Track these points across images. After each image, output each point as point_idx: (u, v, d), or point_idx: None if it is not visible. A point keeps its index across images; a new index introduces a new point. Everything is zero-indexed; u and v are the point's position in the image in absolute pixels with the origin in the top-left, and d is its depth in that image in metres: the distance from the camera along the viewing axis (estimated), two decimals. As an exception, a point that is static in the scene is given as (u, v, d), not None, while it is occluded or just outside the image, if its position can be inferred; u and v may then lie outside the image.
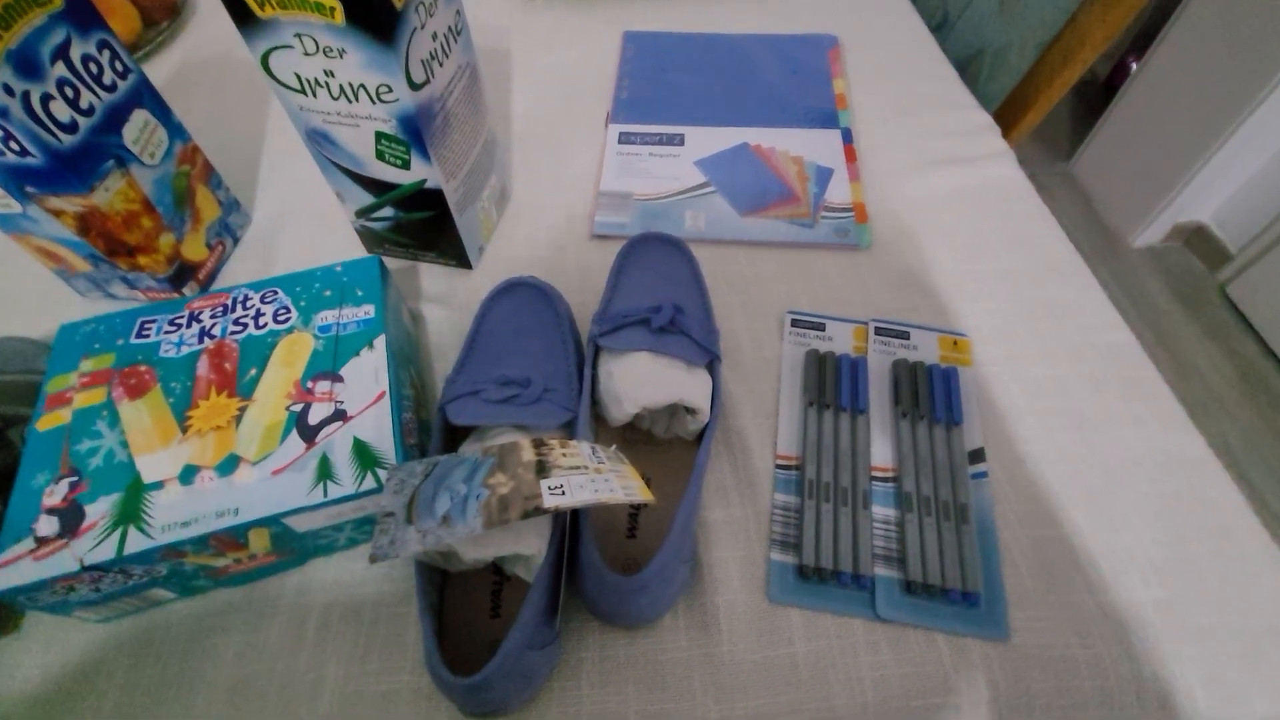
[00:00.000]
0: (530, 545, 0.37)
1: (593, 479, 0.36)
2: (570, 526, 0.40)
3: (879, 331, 0.54)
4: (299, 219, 0.65)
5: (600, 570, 0.37)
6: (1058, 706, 0.39)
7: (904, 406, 0.49)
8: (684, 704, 0.39)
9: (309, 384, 0.43)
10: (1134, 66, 1.92)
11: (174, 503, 0.38)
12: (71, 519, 0.38)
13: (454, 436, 0.45)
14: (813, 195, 0.65)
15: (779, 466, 0.48)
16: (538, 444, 0.39)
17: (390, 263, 0.61)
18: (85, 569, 0.36)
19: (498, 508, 0.33)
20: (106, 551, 0.37)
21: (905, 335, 0.54)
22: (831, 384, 0.51)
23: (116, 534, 0.37)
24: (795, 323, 0.55)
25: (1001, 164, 0.67)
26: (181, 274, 0.56)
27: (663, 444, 0.48)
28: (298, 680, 0.40)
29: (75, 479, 0.39)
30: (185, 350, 0.44)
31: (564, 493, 0.34)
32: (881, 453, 0.48)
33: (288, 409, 0.42)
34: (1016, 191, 0.65)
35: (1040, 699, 0.39)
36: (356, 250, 0.62)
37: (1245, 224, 1.62)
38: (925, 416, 0.49)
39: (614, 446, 0.41)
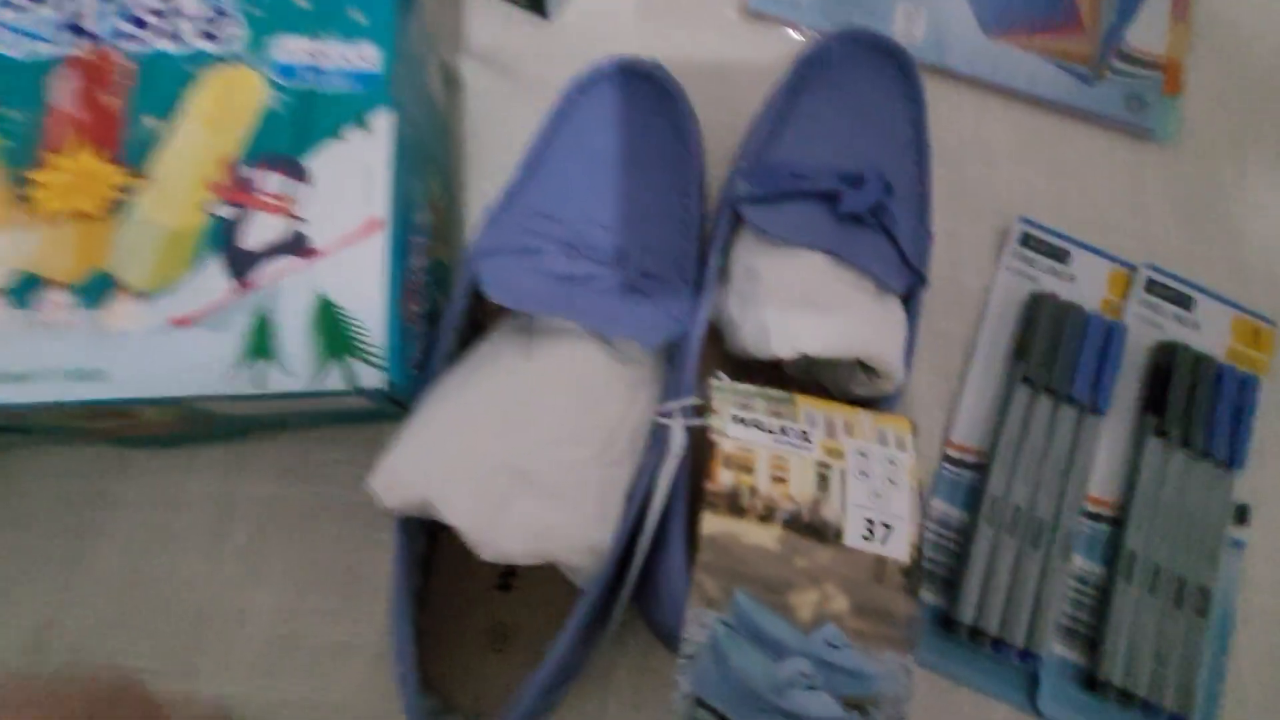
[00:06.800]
0: (580, 547, 0.22)
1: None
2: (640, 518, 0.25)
3: (1152, 287, 0.35)
4: None
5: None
6: None
7: (1169, 421, 0.32)
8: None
9: (249, 170, 0.24)
10: None
11: (-1, 334, 0.22)
12: None
13: (481, 304, 0.28)
14: (1105, 28, 0.40)
15: (948, 460, 0.32)
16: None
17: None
18: None
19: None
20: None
21: (1187, 302, 0.35)
22: (1067, 355, 0.33)
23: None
24: (1027, 240, 0.36)
25: None
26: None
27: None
28: (218, 600, 0.28)
29: None
30: (34, 52, 0.25)
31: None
32: (1104, 477, 0.32)
33: (208, 209, 0.24)
34: None
35: None
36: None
37: None
38: (1193, 443, 0.32)
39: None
